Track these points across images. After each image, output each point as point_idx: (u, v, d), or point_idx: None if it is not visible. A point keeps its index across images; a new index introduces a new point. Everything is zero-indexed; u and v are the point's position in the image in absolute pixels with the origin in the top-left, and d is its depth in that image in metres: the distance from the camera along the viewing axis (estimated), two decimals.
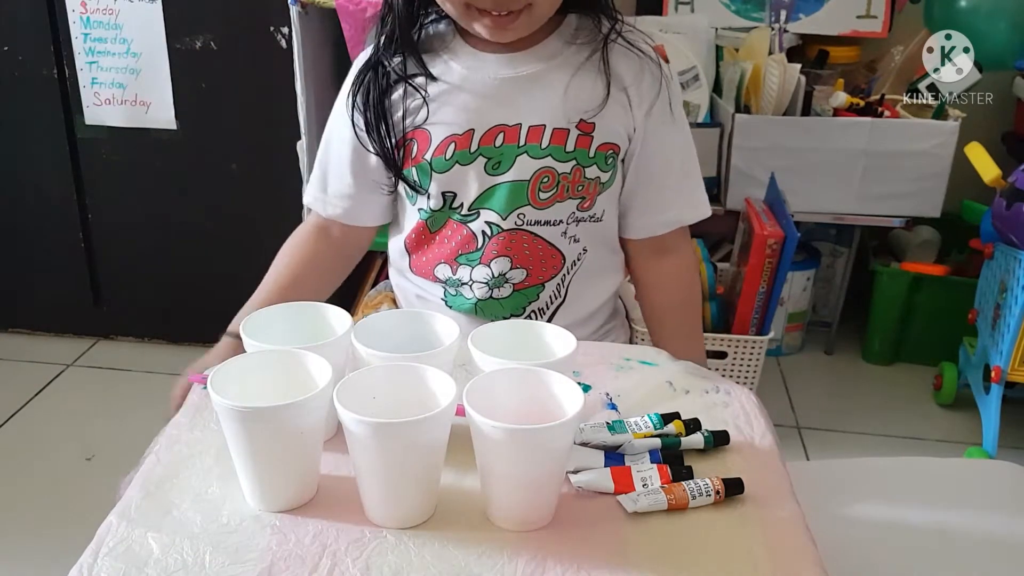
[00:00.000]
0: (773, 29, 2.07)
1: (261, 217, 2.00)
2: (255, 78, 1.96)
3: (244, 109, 2.00)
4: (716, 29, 2.08)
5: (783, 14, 2.12)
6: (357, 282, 2.02)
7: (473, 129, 1.01)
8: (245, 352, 0.76)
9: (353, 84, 1.05)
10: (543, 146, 1.00)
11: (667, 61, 1.93)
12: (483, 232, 1.04)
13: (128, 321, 2.26)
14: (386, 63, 1.03)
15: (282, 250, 1.12)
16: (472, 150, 1.01)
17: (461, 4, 0.95)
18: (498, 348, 0.77)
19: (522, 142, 1.01)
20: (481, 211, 1.03)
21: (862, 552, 1.04)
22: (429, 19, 1.05)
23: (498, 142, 1.01)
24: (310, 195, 1.12)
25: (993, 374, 1.76)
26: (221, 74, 1.97)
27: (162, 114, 2.01)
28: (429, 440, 0.67)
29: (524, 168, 1.01)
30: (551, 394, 0.71)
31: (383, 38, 1.03)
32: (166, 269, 2.18)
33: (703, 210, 1.11)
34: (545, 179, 1.01)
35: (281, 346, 0.75)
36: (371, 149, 1.04)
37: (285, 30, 1.88)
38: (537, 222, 1.03)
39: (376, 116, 1.03)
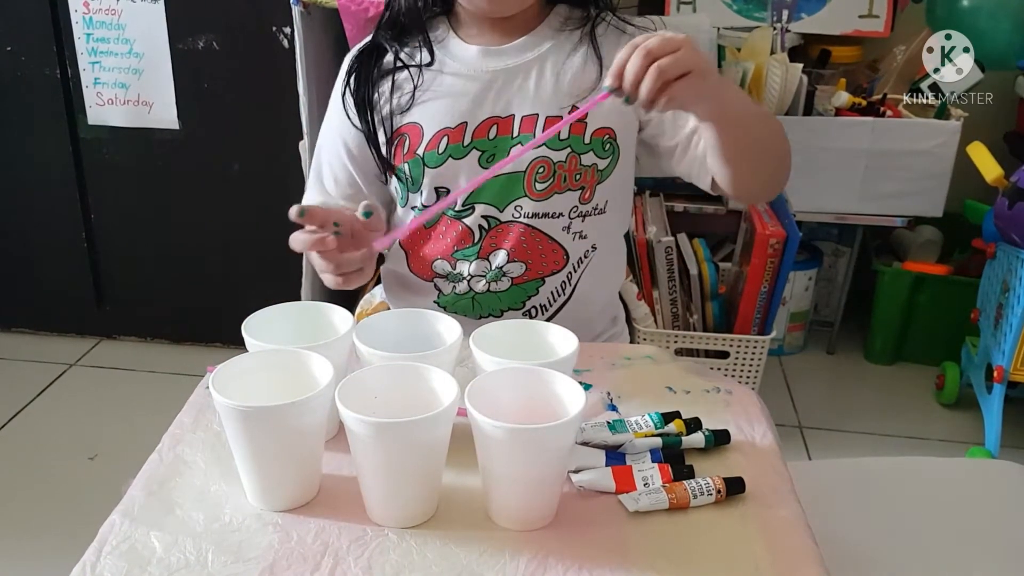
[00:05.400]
0: (775, 29, 2.07)
1: (263, 217, 2.00)
2: (257, 78, 1.97)
3: (246, 109, 2.00)
4: (718, 29, 2.07)
5: (785, 14, 2.11)
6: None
7: (466, 122, 1.02)
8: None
9: (346, 74, 1.07)
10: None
11: None
12: (480, 226, 1.04)
13: (131, 321, 2.26)
14: (385, 45, 1.04)
15: None
16: (465, 143, 1.02)
17: None
18: (499, 348, 0.77)
19: (516, 133, 1.01)
20: (476, 206, 1.03)
21: (864, 552, 1.04)
22: (425, 16, 1.06)
23: (492, 134, 1.01)
24: (310, 201, 1.09)
25: (995, 374, 1.76)
26: (223, 74, 1.97)
27: (164, 114, 2.01)
28: (431, 439, 0.67)
29: (519, 159, 1.01)
30: (552, 393, 0.71)
31: (385, 19, 1.05)
32: (168, 269, 2.18)
33: None
34: (541, 169, 1.01)
35: (283, 345, 0.75)
36: (361, 128, 1.04)
37: (287, 30, 1.89)
38: (535, 214, 1.03)
39: (367, 104, 1.04)
